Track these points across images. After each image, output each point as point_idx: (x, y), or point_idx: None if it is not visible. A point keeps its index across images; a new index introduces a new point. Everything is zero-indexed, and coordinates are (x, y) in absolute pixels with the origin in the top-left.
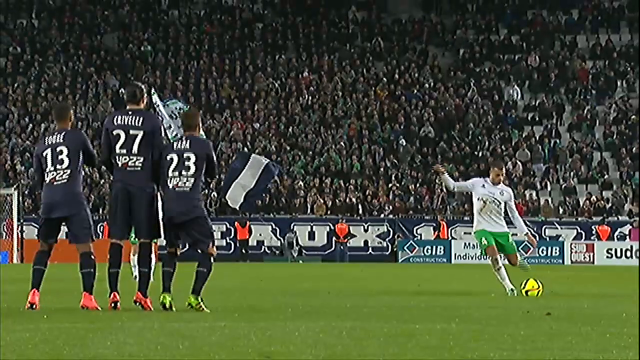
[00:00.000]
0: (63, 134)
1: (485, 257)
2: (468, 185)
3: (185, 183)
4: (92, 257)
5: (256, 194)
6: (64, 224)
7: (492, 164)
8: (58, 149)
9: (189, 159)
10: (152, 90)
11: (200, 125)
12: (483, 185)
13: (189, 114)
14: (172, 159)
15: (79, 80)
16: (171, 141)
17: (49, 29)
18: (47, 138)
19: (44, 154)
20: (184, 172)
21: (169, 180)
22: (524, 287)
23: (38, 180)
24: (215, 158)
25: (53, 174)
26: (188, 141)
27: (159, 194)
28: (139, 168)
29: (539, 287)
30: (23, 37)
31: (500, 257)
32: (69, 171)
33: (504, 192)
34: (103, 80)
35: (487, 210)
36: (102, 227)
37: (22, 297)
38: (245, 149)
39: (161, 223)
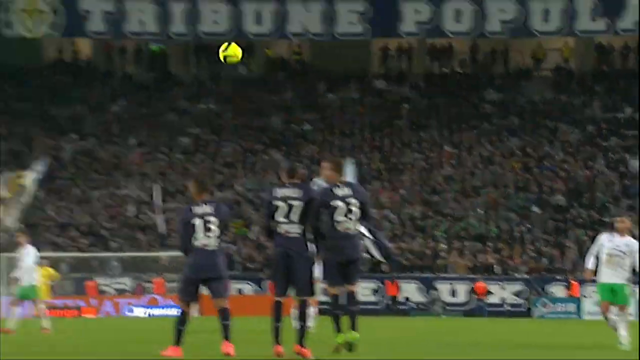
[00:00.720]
0: (213, 205)
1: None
2: (599, 247)
3: (353, 227)
4: (229, 310)
5: (386, 254)
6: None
7: (618, 214)
8: (208, 218)
9: (354, 204)
10: (351, 160)
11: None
12: (610, 240)
13: (338, 161)
14: (337, 206)
15: (248, 156)
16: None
17: (224, 112)
18: (194, 207)
19: (193, 222)
20: (350, 217)
21: (337, 225)
22: (225, 51)
23: (186, 245)
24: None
25: (204, 241)
26: (349, 188)
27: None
28: (297, 235)
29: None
30: (203, 119)
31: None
32: (218, 240)
33: (629, 244)
34: (269, 156)
35: (612, 263)
36: (267, 285)
37: (200, 347)
38: (394, 216)
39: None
